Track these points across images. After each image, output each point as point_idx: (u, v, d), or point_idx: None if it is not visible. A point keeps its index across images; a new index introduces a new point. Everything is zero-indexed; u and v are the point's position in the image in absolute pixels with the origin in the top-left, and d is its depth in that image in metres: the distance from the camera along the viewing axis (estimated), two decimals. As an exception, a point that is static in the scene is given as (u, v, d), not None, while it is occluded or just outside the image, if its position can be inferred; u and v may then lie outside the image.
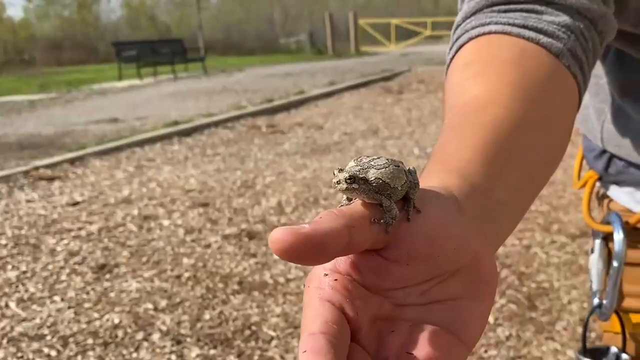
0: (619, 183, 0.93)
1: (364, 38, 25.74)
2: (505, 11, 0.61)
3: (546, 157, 0.54)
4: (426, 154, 5.71)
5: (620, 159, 0.91)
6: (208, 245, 3.75)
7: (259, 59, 22.35)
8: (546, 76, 0.55)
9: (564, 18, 0.59)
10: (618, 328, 0.90)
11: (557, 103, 0.55)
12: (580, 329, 2.61)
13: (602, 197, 0.97)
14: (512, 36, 0.58)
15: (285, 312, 2.88)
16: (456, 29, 0.64)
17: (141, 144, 6.86)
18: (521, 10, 0.60)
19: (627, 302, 0.91)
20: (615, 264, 0.87)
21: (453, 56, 0.62)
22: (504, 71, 0.55)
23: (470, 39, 0.60)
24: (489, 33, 0.59)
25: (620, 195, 0.93)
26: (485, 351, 2.52)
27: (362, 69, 14.97)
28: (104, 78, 16.47)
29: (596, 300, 0.91)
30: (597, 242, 0.93)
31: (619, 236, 0.86)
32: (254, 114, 8.56)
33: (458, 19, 0.65)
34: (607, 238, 0.92)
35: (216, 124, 7.92)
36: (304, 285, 0.37)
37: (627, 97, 0.84)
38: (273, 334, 2.70)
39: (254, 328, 2.76)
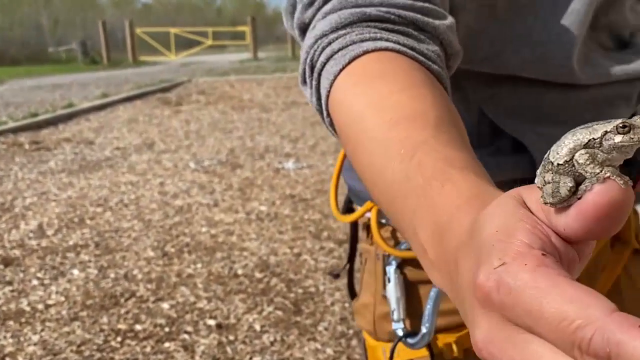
0: None
1: (143, 47, 25.07)
2: (384, 29, 0.62)
3: None
4: (202, 167, 5.72)
5: None
6: (-45, 277, 3.39)
7: (24, 69, 20.60)
8: (448, 100, 0.58)
9: (435, 48, 0.63)
10: (425, 352, 0.87)
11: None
12: (340, 328, 2.81)
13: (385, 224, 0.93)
14: (407, 57, 0.60)
15: (43, 339, 2.71)
16: (322, 37, 0.63)
17: None
18: (398, 32, 0.62)
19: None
20: (433, 292, 0.86)
21: (344, 66, 0.59)
22: (429, 90, 0.56)
23: (365, 52, 0.59)
24: (386, 49, 0.59)
25: None
26: (251, 358, 2.60)
27: (139, 79, 14.56)
28: None
29: (401, 331, 0.87)
30: (392, 269, 0.89)
31: None
32: (15, 130, 7.88)
33: (324, 28, 0.63)
34: (402, 264, 0.90)
35: (-30, 141, 7.18)
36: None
37: None
38: (28, 366, 2.53)
39: (7, 359, 2.56)
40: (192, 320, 2.87)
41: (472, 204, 0.40)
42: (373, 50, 0.59)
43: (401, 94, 0.54)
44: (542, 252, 0.31)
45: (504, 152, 0.84)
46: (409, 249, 0.87)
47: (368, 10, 0.63)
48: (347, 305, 3.03)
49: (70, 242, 3.87)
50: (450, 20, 0.67)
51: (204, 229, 4.07)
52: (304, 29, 0.70)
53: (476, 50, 0.79)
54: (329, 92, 0.60)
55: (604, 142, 0.34)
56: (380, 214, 0.92)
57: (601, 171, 0.32)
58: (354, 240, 1.09)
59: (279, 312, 2.97)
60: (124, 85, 13.25)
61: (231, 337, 2.73)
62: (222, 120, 8.55)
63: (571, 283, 0.29)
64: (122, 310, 2.97)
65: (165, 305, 3.01)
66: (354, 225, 1.07)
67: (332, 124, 0.62)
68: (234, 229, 4.08)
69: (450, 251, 0.39)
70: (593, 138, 0.34)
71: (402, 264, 0.90)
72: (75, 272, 3.42)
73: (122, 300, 3.08)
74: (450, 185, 0.43)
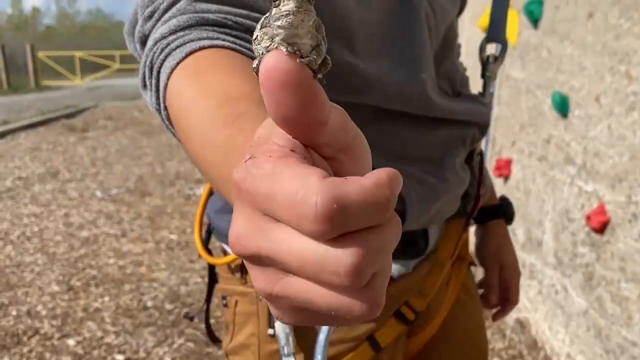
0: None
1: (46, 71, 24.18)
2: (223, 33, 0.65)
3: None
4: (110, 196, 5.59)
5: None
6: None
7: None
8: None
9: None
10: None
11: None
12: None
13: None
14: (243, 55, 0.62)
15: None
16: (161, 40, 0.65)
17: None
18: (236, 37, 0.65)
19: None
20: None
21: (180, 60, 0.61)
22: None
23: (202, 48, 0.61)
24: (222, 47, 0.62)
25: None
26: (161, 391, 2.57)
27: (42, 105, 14.02)
28: None
29: None
30: None
31: None
32: None
33: (164, 31, 0.66)
34: None
35: None
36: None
37: None
38: None
39: None
40: (99, 356, 2.80)
41: None
42: (210, 47, 0.62)
43: (229, 79, 0.56)
44: (291, 149, 0.32)
45: None
46: None
47: (206, 15, 0.66)
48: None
49: (-32, 280, 3.69)
50: None
51: (111, 261, 3.98)
52: (144, 41, 0.71)
53: (350, 80, 0.83)
54: (166, 85, 0.62)
55: (271, 18, 0.32)
56: None
57: (270, 44, 0.32)
58: (212, 281, 1.11)
59: (190, 344, 2.94)
60: (26, 111, 12.74)
61: (141, 371, 2.69)
62: (130, 146, 8.37)
63: (303, 165, 0.30)
64: (25, 349, 2.86)
65: (71, 342, 2.92)
66: (211, 265, 1.09)
67: (169, 119, 0.63)
68: (143, 259, 4.01)
69: None
70: (267, 15, 0.33)
71: None
72: (-27, 311, 3.27)
73: (25, 338, 2.97)
74: None
